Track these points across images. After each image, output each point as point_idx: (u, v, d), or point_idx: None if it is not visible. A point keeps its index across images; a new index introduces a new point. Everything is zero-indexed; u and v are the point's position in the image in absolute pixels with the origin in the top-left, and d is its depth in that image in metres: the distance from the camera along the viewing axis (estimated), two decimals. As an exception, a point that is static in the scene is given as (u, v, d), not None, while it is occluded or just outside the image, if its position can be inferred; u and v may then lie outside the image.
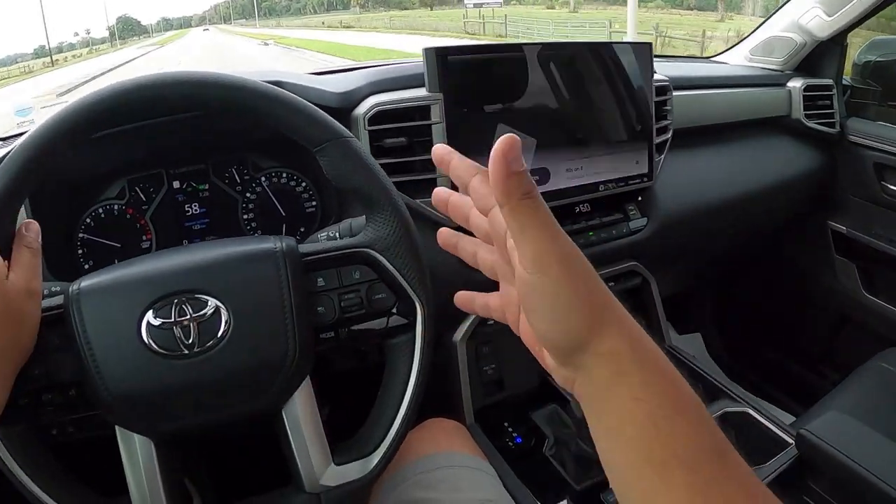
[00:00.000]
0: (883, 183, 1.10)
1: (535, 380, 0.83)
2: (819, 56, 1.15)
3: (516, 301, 0.33)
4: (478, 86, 0.68)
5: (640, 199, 0.86)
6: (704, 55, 1.45)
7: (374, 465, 0.47)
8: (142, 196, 0.68)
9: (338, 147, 0.47)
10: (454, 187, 0.34)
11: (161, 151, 0.68)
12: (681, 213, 0.90)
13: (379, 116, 0.65)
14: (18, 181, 0.42)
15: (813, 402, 0.82)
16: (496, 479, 0.64)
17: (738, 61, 1.23)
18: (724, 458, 0.27)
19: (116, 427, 0.43)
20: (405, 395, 0.49)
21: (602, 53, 0.75)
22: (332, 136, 0.47)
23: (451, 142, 0.66)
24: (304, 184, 0.74)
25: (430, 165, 0.67)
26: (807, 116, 1.11)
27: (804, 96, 1.11)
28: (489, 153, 0.26)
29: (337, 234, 0.51)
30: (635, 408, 0.27)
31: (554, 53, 0.72)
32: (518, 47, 0.70)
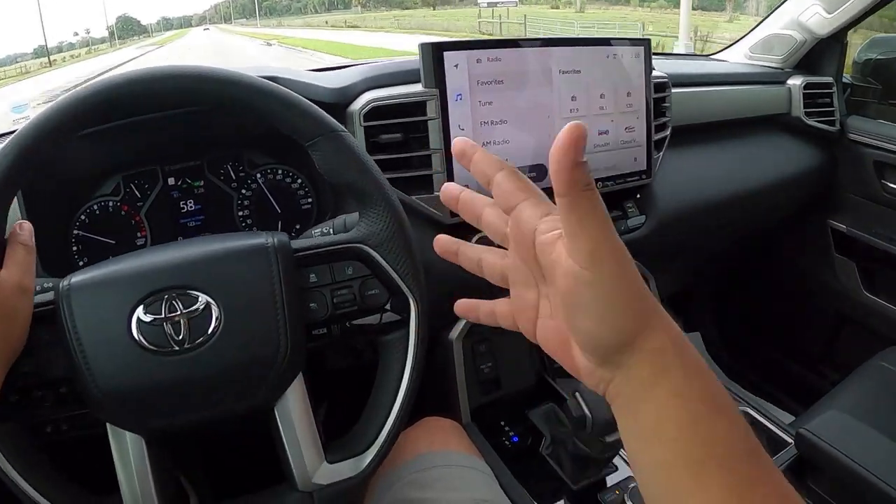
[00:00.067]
0: (883, 181, 1.09)
1: (531, 378, 0.82)
2: (819, 54, 1.14)
3: (533, 304, 0.32)
4: (476, 83, 0.67)
5: (638, 196, 0.86)
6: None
7: (366, 463, 0.47)
8: (136, 193, 0.68)
9: (330, 141, 0.47)
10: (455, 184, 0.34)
11: (156, 148, 0.68)
12: (679, 211, 0.89)
13: (374, 112, 0.65)
14: (10, 173, 0.41)
15: (813, 401, 0.82)
16: (492, 479, 0.63)
17: (737, 59, 1.23)
18: (758, 458, 0.27)
19: (107, 424, 0.42)
20: (398, 393, 0.48)
21: (601, 50, 0.75)
22: (324, 131, 0.47)
23: (448, 140, 0.65)
24: (299, 181, 0.73)
25: (426, 161, 0.66)
26: (807, 114, 1.11)
27: (804, 94, 1.10)
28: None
29: (331, 230, 0.51)
30: (678, 405, 0.26)
31: (553, 50, 0.71)
32: (516, 43, 0.69)
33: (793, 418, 0.84)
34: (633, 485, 0.65)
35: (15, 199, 0.44)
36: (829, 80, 1.14)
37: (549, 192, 0.28)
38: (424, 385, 0.50)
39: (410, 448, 0.62)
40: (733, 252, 1.34)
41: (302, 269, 0.47)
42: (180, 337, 0.42)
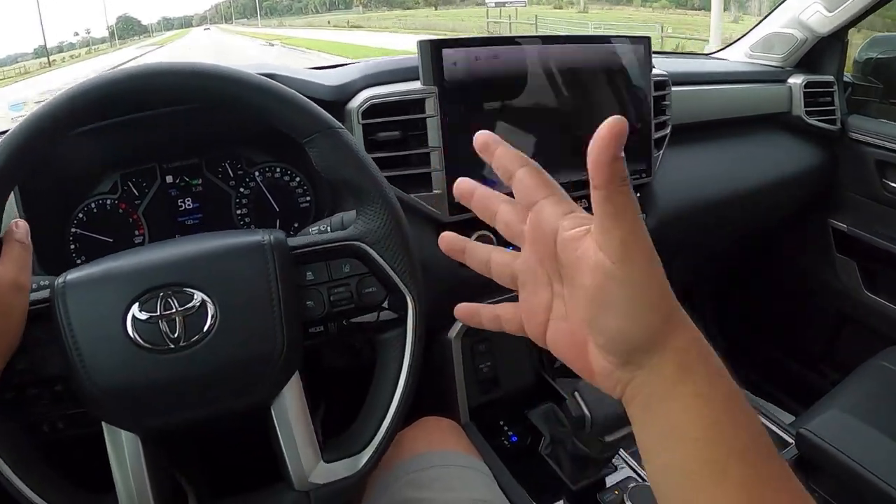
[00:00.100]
0: (884, 180, 1.09)
1: (531, 378, 0.82)
2: (820, 52, 1.14)
3: (546, 306, 0.31)
4: (475, 80, 0.67)
5: (638, 194, 0.85)
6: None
7: (363, 463, 0.47)
8: (134, 191, 0.68)
9: (327, 138, 0.47)
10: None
11: (154, 146, 0.68)
12: (679, 210, 0.89)
13: (373, 110, 0.65)
14: (5, 171, 0.41)
15: (813, 401, 0.82)
16: (491, 479, 0.63)
17: (737, 57, 1.22)
18: (773, 457, 0.27)
19: (103, 423, 0.42)
20: (395, 392, 0.48)
21: (601, 48, 0.75)
22: (321, 127, 0.47)
23: (447, 137, 0.65)
24: (298, 179, 0.73)
25: (424, 159, 0.66)
26: (807, 113, 1.11)
27: (805, 93, 1.10)
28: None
29: (328, 228, 0.50)
30: (701, 405, 0.26)
31: (553, 48, 0.71)
32: (516, 42, 0.69)
33: (793, 418, 0.84)
34: (632, 485, 0.65)
35: (12, 197, 0.44)
36: (830, 78, 1.14)
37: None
38: (423, 384, 0.49)
39: (408, 448, 0.62)
40: (734, 251, 1.34)
41: (299, 266, 0.47)
42: (176, 335, 0.41)
